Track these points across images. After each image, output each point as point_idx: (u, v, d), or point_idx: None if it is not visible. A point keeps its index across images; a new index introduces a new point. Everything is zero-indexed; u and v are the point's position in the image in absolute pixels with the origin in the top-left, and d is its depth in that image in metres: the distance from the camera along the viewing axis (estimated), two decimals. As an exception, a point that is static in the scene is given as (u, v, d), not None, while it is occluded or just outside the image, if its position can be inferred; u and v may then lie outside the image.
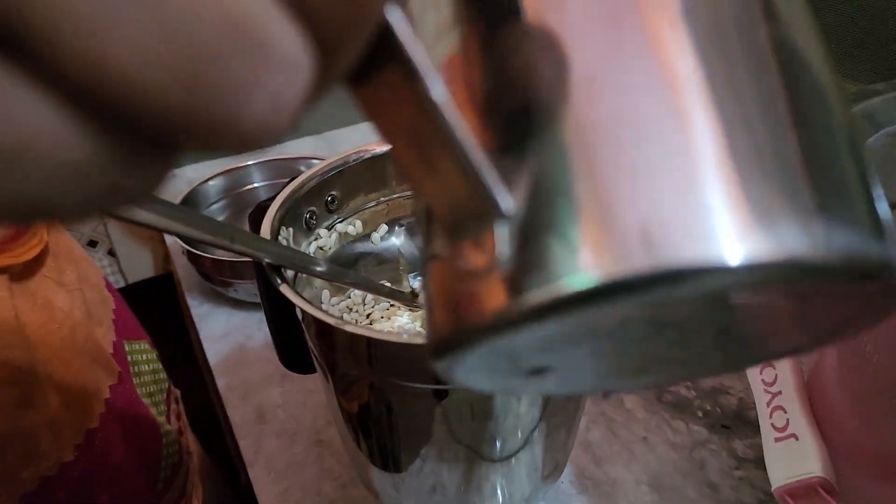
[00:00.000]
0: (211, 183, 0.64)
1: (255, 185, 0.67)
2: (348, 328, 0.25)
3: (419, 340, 0.24)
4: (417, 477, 0.33)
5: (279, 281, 0.28)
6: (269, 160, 0.67)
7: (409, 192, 0.39)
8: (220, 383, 0.53)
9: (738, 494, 0.43)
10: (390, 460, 0.33)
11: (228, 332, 0.58)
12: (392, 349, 0.27)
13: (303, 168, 0.67)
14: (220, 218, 0.65)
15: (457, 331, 0.11)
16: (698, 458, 0.45)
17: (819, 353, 0.38)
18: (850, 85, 0.58)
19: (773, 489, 0.34)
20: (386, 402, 0.29)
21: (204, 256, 0.55)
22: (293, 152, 0.81)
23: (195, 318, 0.60)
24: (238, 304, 0.60)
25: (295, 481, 0.45)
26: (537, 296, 0.10)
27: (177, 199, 0.62)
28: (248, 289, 0.57)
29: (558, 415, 0.32)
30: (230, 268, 0.55)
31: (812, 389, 0.37)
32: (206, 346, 0.57)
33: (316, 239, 0.36)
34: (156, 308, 0.82)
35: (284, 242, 0.33)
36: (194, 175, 0.77)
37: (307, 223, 0.36)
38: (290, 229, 0.34)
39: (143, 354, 0.58)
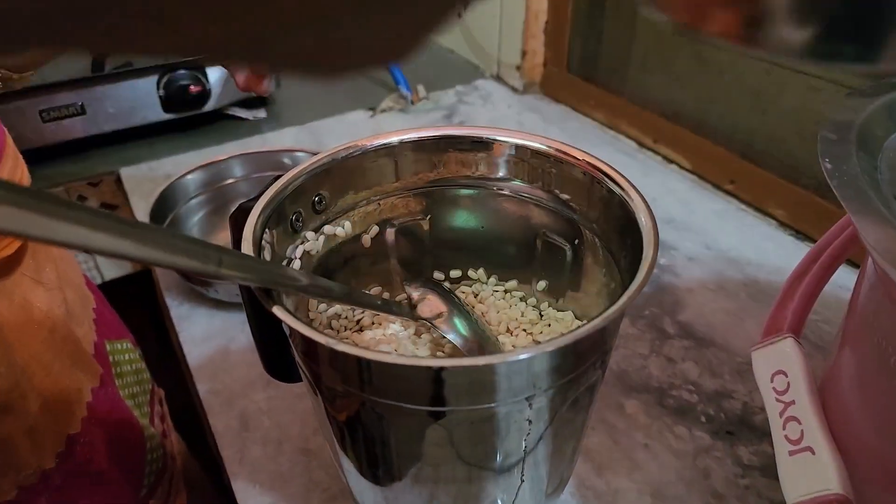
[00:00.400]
0: (189, 177, 0.61)
1: (236, 179, 0.64)
2: (340, 347, 0.23)
3: (415, 362, 0.22)
4: (411, 493, 0.31)
5: (270, 302, 0.25)
6: (250, 153, 0.64)
7: (401, 191, 0.37)
8: (202, 389, 0.51)
9: (744, 504, 0.41)
10: (382, 475, 0.31)
11: (210, 335, 0.55)
12: (386, 370, 0.24)
13: (286, 160, 0.65)
14: (200, 214, 0.62)
15: (692, 27, 0.13)
16: (702, 467, 0.43)
17: (834, 358, 0.36)
18: (857, 78, 0.57)
19: (788, 506, 0.32)
20: (379, 420, 0.27)
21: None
22: (275, 144, 0.78)
23: (175, 320, 0.57)
24: (219, 304, 0.57)
25: (281, 494, 0.43)
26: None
27: (154, 194, 0.59)
28: (228, 289, 0.54)
29: (565, 428, 0.30)
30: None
31: (826, 396, 0.35)
32: (186, 349, 0.54)
33: (302, 242, 0.34)
34: (136, 306, 0.79)
35: (268, 248, 0.30)
36: (173, 169, 0.74)
37: (293, 225, 0.34)
38: (274, 231, 0.31)
39: (126, 354, 0.55)
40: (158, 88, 0.78)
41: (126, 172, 0.78)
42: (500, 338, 0.37)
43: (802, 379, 0.36)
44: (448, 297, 0.36)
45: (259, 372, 0.51)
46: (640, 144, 0.78)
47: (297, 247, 0.34)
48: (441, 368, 0.23)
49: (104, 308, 0.55)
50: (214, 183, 0.63)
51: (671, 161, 0.75)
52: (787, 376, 0.37)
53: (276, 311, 0.24)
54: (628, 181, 0.30)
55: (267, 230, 0.30)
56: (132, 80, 0.76)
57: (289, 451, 0.45)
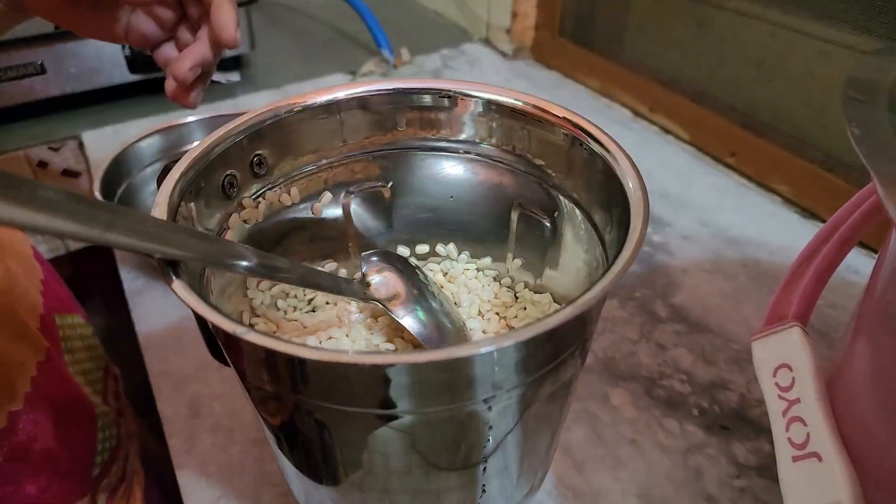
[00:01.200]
0: (145, 142, 0.56)
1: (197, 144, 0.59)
2: (258, 340, 0.18)
3: (362, 360, 0.18)
4: (358, 498, 0.27)
5: (172, 276, 0.21)
6: (213, 117, 0.59)
7: (356, 154, 0.32)
8: (152, 370, 0.46)
9: (738, 508, 0.37)
10: (324, 478, 0.27)
11: (164, 312, 0.51)
12: (325, 370, 0.20)
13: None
14: (154, 184, 0.57)
15: None
16: (694, 465, 0.39)
17: (844, 351, 0.32)
18: (872, 41, 0.52)
19: (790, 520, 0.28)
20: (317, 423, 0.23)
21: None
22: (246, 109, 0.73)
23: (128, 294, 0.53)
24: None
25: (230, 487, 0.39)
26: None
27: (107, 161, 0.54)
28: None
29: (537, 427, 0.26)
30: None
31: (835, 393, 0.31)
32: (138, 326, 0.50)
33: (238, 210, 0.29)
34: (98, 279, 0.74)
35: (193, 217, 0.26)
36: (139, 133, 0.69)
37: (224, 190, 0.29)
38: (200, 198, 0.27)
39: (77, 329, 0.52)
40: (124, 48, 0.73)
41: (89, 136, 0.73)
42: (471, 322, 0.33)
43: (810, 374, 0.31)
44: (410, 274, 0.31)
45: (213, 353, 0.47)
46: (636, 113, 0.73)
47: (230, 215, 0.29)
48: (380, 366, 0.19)
49: (53, 281, 0.52)
50: (173, 148, 0.58)
51: (668, 131, 0.70)
52: (791, 371, 0.32)
53: (178, 288, 0.20)
54: (614, 141, 0.25)
55: (184, 203, 0.26)
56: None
57: (241, 440, 0.41)
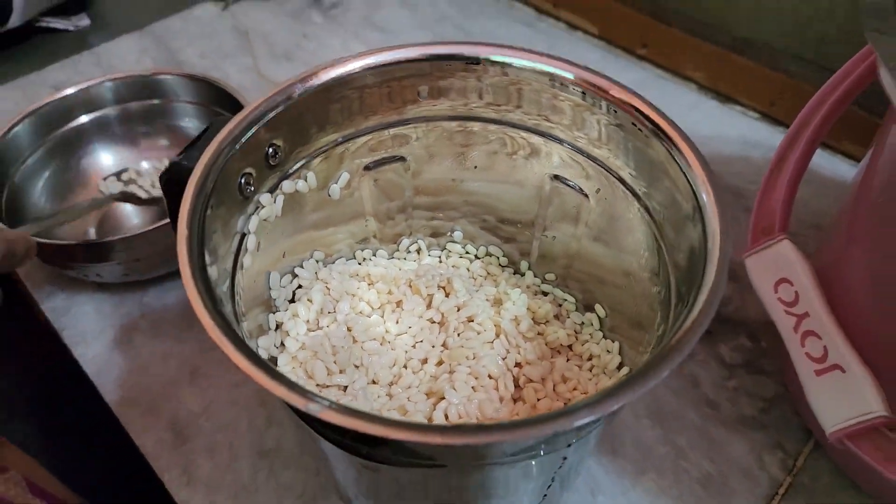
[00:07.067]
0: (19, 129, 0.46)
1: (83, 118, 0.50)
2: (335, 419, 0.18)
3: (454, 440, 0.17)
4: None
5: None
6: (91, 86, 0.49)
7: (376, 127, 0.29)
8: (112, 400, 0.41)
9: (738, 408, 0.40)
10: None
11: (102, 328, 0.45)
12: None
13: (147, 83, 0.51)
14: (45, 176, 0.49)
15: None
16: (689, 374, 0.42)
17: (833, 257, 0.34)
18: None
19: (827, 433, 0.30)
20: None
21: (45, 243, 0.40)
22: (115, 66, 0.63)
23: (49, 314, 0.46)
24: (103, 287, 0.47)
25: (250, 508, 0.37)
26: None
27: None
28: (112, 268, 0.43)
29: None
30: (87, 252, 0.42)
31: (826, 281, 0.33)
32: (78, 351, 0.44)
33: (256, 210, 0.27)
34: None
35: (218, 229, 0.23)
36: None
37: (241, 190, 0.26)
38: (223, 203, 0.24)
39: None
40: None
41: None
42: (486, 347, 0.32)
43: (812, 287, 0.33)
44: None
45: (179, 361, 0.42)
46: (540, 11, 0.71)
47: (249, 217, 0.27)
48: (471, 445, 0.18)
49: None
50: (53, 128, 0.49)
51: (576, 27, 0.68)
52: (793, 285, 0.34)
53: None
54: (677, 130, 0.23)
55: (212, 205, 0.23)
56: None
57: (245, 454, 0.39)
